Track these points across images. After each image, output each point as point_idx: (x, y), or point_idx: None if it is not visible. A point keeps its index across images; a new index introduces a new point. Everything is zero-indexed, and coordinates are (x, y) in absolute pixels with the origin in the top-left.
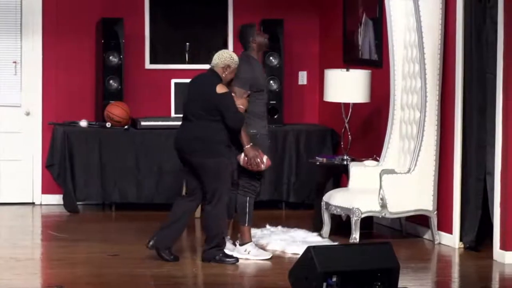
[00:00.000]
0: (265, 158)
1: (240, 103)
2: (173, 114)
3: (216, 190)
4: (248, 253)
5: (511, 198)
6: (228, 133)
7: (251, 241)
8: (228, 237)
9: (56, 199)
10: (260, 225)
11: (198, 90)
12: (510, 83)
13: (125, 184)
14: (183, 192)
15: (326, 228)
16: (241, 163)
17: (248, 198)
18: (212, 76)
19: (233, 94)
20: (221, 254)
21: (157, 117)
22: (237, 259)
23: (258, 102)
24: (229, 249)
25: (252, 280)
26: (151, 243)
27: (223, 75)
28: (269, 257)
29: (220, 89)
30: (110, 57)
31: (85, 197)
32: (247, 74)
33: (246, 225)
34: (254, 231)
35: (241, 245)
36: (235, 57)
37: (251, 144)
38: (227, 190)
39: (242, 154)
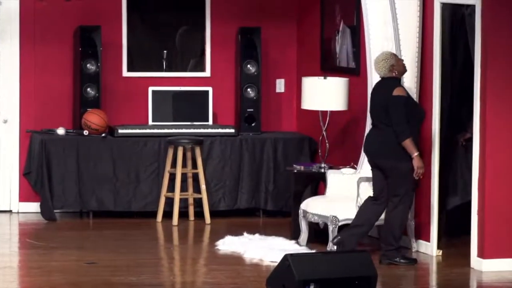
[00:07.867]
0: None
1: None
2: (150, 122)
3: (402, 192)
4: None
5: (488, 206)
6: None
7: None
8: None
9: (34, 207)
10: (237, 233)
11: (378, 95)
12: (488, 90)
13: (103, 192)
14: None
15: (304, 236)
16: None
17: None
18: (390, 80)
19: None
20: (400, 256)
21: (134, 125)
22: (415, 261)
23: None
24: None
25: None
26: (337, 238)
27: (396, 73)
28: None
29: (397, 92)
30: (88, 65)
31: (62, 205)
32: None
33: None
34: (232, 239)
35: None
36: (385, 53)
37: (418, 153)
38: (412, 193)
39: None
